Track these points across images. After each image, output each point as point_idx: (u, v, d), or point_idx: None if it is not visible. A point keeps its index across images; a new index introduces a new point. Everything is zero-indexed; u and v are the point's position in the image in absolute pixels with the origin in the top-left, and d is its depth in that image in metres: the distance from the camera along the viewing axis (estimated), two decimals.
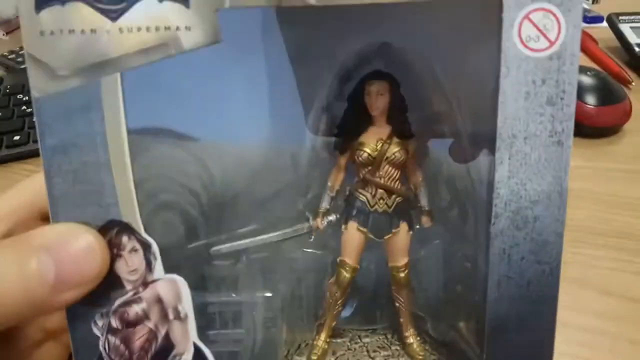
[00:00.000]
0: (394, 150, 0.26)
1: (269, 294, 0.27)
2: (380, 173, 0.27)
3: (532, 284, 0.23)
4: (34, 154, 0.56)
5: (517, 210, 0.23)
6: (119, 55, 0.21)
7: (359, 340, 0.31)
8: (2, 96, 0.64)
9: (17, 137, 0.57)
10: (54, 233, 0.22)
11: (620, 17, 0.73)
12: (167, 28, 0.21)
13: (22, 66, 0.74)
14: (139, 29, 0.21)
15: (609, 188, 0.48)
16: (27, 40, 0.21)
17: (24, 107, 0.62)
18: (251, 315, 0.28)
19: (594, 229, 0.43)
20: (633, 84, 0.65)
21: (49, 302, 0.21)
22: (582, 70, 0.59)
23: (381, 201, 0.27)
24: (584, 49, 0.75)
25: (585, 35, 0.77)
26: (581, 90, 0.57)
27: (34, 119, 0.22)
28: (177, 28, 0.21)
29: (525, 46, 0.21)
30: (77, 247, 0.21)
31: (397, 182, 0.27)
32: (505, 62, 0.21)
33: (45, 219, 0.28)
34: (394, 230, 0.28)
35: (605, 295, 0.37)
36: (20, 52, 0.77)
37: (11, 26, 0.92)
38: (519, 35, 0.21)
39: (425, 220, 0.28)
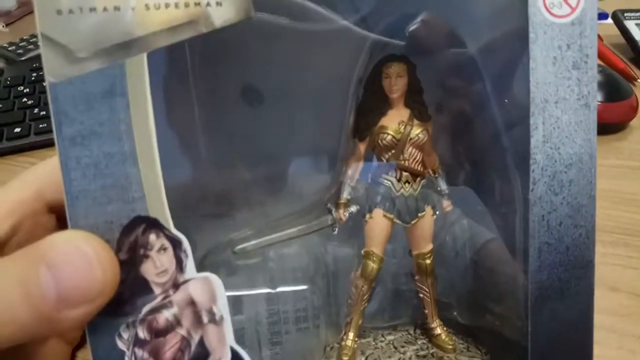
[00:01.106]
0: (417, 131, 0.26)
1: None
2: (405, 156, 0.26)
3: (570, 248, 0.24)
4: (36, 146, 0.56)
5: (553, 175, 0.23)
6: (145, 34, 0.20)
7: (383, 339, 0.30)
8: (3, 88, 0.63)
9: (18, 130, 0.56)
10: (56, 247, 0.20)
11: (625, 14, 0.73)
12: (197, 4, 0.20)
13: (23, 58, 0.72)
14: (166, 5, 0.20)
15: (616, 185, 0.47)
16: (41, 20, 0.19)
17: (25, 99, 0.61)
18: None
19: (601, 226, 0.42)
20: (638, 80, 0.65)
21: (57, 320, 0.19)
22: None
23: (407, 185, 0.27)
24: None
25: None
26: None
27: (50, 106, 0.19)
28: (208, 4, 0.20)
29: (550, 12, 0.22)
30: (77, 262, 0.19)
31: (420, 165, 0.27)
32: (533, 29, 0.22)
33: (53, 211, 0.26)
34: (420, 215, 0.27)
35: (613, 292, 0.37)
36: (20, 44, 0.75)
37: (11, 18, 0.91)
38: (544, 3, 0.22)
39: (447, 205, 0.28)
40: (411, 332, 0.31)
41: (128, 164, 0.20)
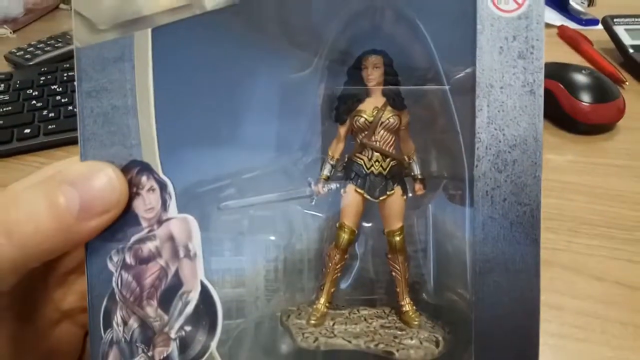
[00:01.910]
0: (388, 115, 0.29)
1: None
2: (376, 137, 0.30)
3: (515, 225, 0.25)
4: (45, 146, 0.59)
5: (497, 154, 0.25)
6: (151, 13, 0.25)
7: (357, 312, 0.32)
8: (12, 91, 0.67)
9: (27, 130, 0.59)
10: (77, 169, 0.25)
11: (615, 19, 0.76)
12: None
13: (30, 63, 0.77)
14: None
15: (602, 182, 0.51)
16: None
17: (34, 102, 0.64)
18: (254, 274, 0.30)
19: (588, 220, 0.46)
20: (627, 83, 0.68)
21: (77, 230, 0.24)
22: (577, 69, 0.63)
23: (377, 163, 0.30)
24: (579, 50, 0.80)
25: (581, 36, 0.82)
26: (576, 88, 0.60)
27: (75, 66, 0.25)
28: None
29: (497, 7, 0.24)
30: (98, 180, 0.24)
31: (391, 147, 0.30)
32: (480, 21, 0.24)
33: None
34: (388, 192, 0.30)
35: (598, 281, 0.40)
36: (28, 49, 0.80)
37: (18, 24, 0.96)
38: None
39: (418, 188, 0.31)
40: (386, 311, 0.33)
41: (130, 116, 0.25)
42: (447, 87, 0.26)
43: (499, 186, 0.25)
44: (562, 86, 0.61)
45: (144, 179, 0.26)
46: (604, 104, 0.59)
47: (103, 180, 0.24)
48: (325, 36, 0.28)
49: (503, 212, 0.25)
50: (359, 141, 0.30)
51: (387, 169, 0.30)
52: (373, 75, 0.29)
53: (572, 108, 0.60)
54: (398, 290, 0.31)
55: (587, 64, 0.73)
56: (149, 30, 0.25)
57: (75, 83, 0.25)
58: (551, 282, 0.40)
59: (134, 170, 0.26)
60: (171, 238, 0.26)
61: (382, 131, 0.30)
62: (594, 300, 0.39)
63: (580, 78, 0.62)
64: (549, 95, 0.61)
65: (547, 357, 0.36)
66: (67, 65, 0.73)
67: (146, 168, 0.26)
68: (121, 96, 0.25)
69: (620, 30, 0.76)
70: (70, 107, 0.64)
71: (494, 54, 0.25)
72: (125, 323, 0.26)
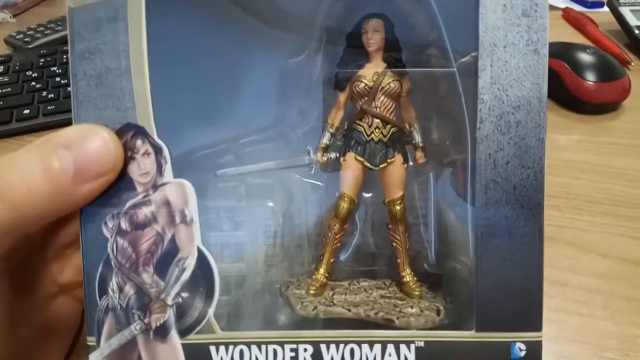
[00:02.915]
0: (389, 81, 0.29)
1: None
2: (376, 103, 0.29)
3: (518, 188, 0.25)
4: (44, 127, 0.58)
5: (500, 115, 0.24)
6: None
7: (357, 283, 0.32)
8: (12, 73, 0.67)
9: (27, 111, 0.59)
10: (72, 132, 0.24)
11: (620, 1, 0.76)
12: None
13: (29, 46, 0.77)
14: None
15: (607, 160, 0.51)
16: None
17: (33, 83, 0.64)
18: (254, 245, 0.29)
19: (592, 198, 0.46)
20: (632, 64, 0.68)
21: (71, 194, 0.23)
22: (582, 48, 0.62)
23: (377, 130, 0.29)
24: (584, 32, 0.79)
25: (586, 18, 0.81)
26: (581, 67, 0.59)
27: (67, 27, 0.24)
28: None
29: None
30: (93, 143, 0.24)
31: (392, 114, 0.29)
32: None
33: None
34: (389, 160, 0.29)
35: (602, 257, 0.40)
36: (28, 33, 0.80)
37: (18, 9, 0.96)
38: None
39: (419, 156, 0.30)
40: (387, 282, 0.32)
41: (124, 78, 0.25)
42: (450, 56, 0.26)
43: (502, 149, 0.25)
44: (567, 65, 0.60)
45: (138, 142, 0.25)
46: (609, 83, 0.59)
47: (98, 143, 0.24)
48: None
49: (506, 176, 0.25)
50: (358, 107, 0.29)
51: (388, 135, 0.29)
52: (373, 39, 0.29)
53: (577, 87, 0.59)
54: (399, 261, 0.31)
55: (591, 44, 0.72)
56: None
57: (68, 44, 0.25)
58: (555, 259, 0.40)
59: (128, 133, 0.25)
60: (167, 203, 0.26)
61: (382, 97, 0.29)
62: (597, 276, 0.38)
63: (585, 57, 0.61)
64: (553, 74, 0.61)
65: (551, 332, 0.35)
66: (67, 48, 0.72)
67: (141, 131, 0.25)
68: (115, 57, 0.25)
69: (625, 11, 0.75)
70: (70, 89, 0.63)
71: (497, 12, 0.24)
72: (121, 290, 0.25)
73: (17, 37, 0.79)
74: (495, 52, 0.24)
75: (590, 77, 0.59)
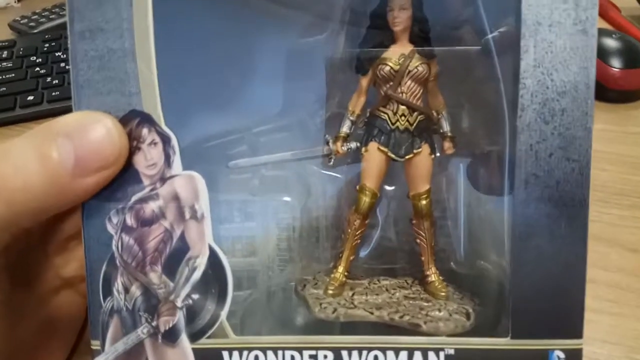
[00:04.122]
0: (416, 64, 0.26)
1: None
2: (402, 88, 0.27)
3: (561, 184, 0.22)
4: (48, 114, 0.57)
5: (543, 102, 0.22)
6: None
7: (377, 282, 0.30)
8: (16, 58, 0.66)
9: (30, 97, 0.58)
10: (73, 120, 0.22)
11: None
12: None
13: (34, 31, 0.75)
14: None
15: (634, 151, 0.49)
16: None
17: (37, 69, 0.62)
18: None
19: (619, 190, 0.44)
20: None
21: (71, 188, 0.22)
22: (607, 33, 0.60)
23: (402, 118, 0.27)
24: (606, 18, 0.77)
25: (609, 3, 0.78)
26: (606, 53, 0.57)
27: (66, 5, 0.22)
28: None
29: None
30: (96, 132, 0.22)
31: (419, 100, 0.27)
32: None
33: None
34: (415, 151, 0.27)
35: (631, 253, 0.38)
36: (32, 17, 0.78)
37: None
38: None
39: (448, 147, 0.28)
40: (409, 281, 0.30)
41: (128, 60, 0.23)
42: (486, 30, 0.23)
43: (545, 139, 0.22)
44: None
45: (144, 131, 0.23)
46: (635, 70, 0.56)
47: (101, 132, 0.22)
48: None
49: (549, 169, 0.22)
50: (382, 93, 0.27)
51: (414, 124, 0.27)
52: (400, 17, 0.26)
53: (601, 74, 0.57)
54: (423, 259, 0.29)
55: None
56: None
57: (67, 23, 0.22)
58: None
59: (133, 121, 0.23)
60: (176, 197, 0.23)
61: (409, 81, 0.27)
62: (627, 272, 0.36)
63: (610, 42, 0.58)
64: None
65: None
66: None
67: (147, 119, 0.23)
68: (118, 37, 0.22)
69: None
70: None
71: None
72: (126, 290, 0.24)
73: (21, 21, 0.78)
74: (539, 31, 0.22)
75: (616, 63, 0.56)
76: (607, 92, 0.57)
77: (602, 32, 0.61)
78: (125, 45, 0.22)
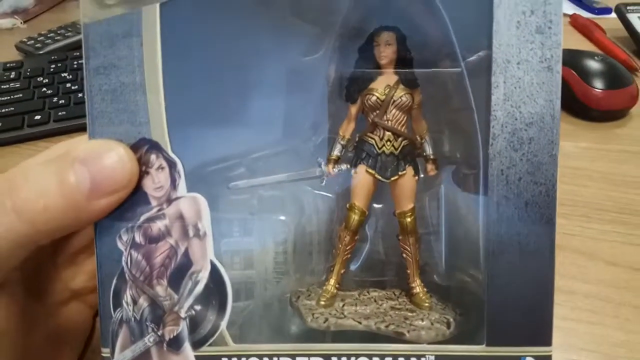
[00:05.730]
0: (400, 94, 0.29)
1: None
2: (388, 116, 0.29)
3: (530, 205, 0.25)
4: (55, 132, 0.59)
5: (513, 132, 0.24)
6: None
7: (367, 294, 0.32)
8: (23, 79, 0.68)
9: (38, 117, 0.60)
10: (88, 148, 0.24)
11: (628, 7, 0.76)
12: None
13: (40, 52, 0.77)
14: None
15: (615, 168, 0.51)
16: None
17: (44, 89, 0.65)
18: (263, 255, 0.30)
19: (601, 206, 0.46)
20: None
21: (86, 209, 0.24)
22: (590, 55, 0.62)
23: (388, 143, 0.29)
24: (592, 39, 0.79)
25: (594, 25, 0.81)
26: (589, 75, 0.59)
27: (82, 43, 0.25)
28: None
29: None
30: (109, 159, 0.24)
31: (403, 127, 0.29)
32: None
33: None
34: (400, 173, 0.29)
35: (611, 266, 0.40)
36: (39, 39, 0.80)
37: (28, 15, 0.97)
38: None
39: (430, 169, 0.30)
40: (396, 292, 0.32)
41: (138, 93, 0.25)
42: (462, 67, 0.26)
43: (514, 165, 0.25)
44: (574, 73, 0.60)
45: (153, 157, 0.25)
46: (617, 90, 0.59)
47: (114, 159, 0.24)
48: (336, 12, 0.27)
49: (518, 192, 0.25)
50: (370, 120, 0.29)
51: (399, 148, 0.29)
52: (385, 52, 0.29)
53: (584, 94, 0.59)
54: (409, 272, 0.31)
55: (599, 51, 0.72)
56: (157, 5, 0.24)
57: (83, 60, 0.25)
58: (563, 267, 0.40)
59: (143, 148, 0.25)
60: (181, 217, 0.26)
61: (394, 110, 0.29)
62: (606, 284, 0.38)
63: (593, 64, 0.61)
64: (561, 82, 0.61)
65: (559, 340, 0.35)
66: (78, 54, 0.73)
67: (155, 146, 0.25)
68: (129, 73, 0.25)
69: (633, 18, 0.75)
70: (80, 95, 0.64)
71: (511, 29, 0.24)
72: (135, 302, 0.26)
73: (27, 42, 0.80)
74: (508, 68, 0.24)
75: (598, 84, 0.58)
76: (590, 111, 0.59)
77: (585, 55, 0.64)
78: (136, 80, 0.25)
